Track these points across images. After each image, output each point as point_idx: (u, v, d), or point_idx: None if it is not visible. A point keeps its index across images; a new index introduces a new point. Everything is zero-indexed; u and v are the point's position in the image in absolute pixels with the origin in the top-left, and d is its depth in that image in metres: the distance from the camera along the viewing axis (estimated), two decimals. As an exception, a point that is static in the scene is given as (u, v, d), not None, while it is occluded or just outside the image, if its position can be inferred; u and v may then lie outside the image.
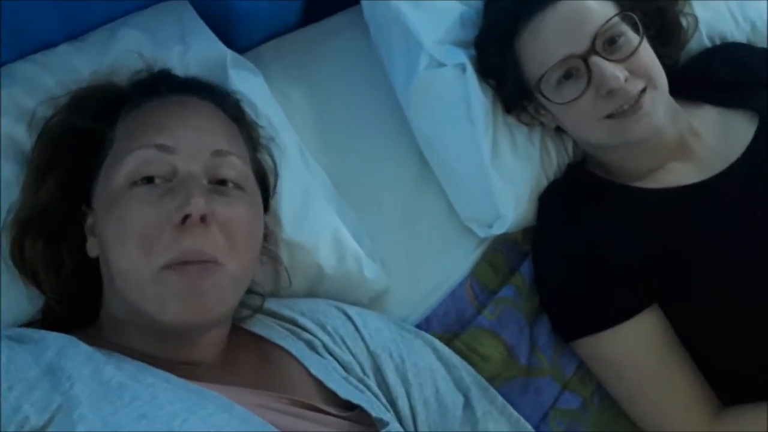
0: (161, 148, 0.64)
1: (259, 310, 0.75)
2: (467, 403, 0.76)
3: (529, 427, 0.79)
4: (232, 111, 0.74)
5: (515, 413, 0.78)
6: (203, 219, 0.61)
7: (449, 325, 0.89)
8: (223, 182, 0.66)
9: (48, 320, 0.71)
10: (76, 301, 0.71)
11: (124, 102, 0.70)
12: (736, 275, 0.81)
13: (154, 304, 0.61)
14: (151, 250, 0.61)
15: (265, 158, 0.79)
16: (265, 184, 0.76)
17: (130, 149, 0.65)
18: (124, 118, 0.69)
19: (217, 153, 0.66)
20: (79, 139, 0.70)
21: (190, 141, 0.66)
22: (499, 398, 0.79)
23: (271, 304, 0.77)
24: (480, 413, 0.76)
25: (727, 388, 0.84)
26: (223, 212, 0.64)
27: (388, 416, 0.68)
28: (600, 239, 0.86)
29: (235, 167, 0.67)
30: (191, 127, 0.67)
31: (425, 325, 0.87)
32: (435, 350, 0.79)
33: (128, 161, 0.64)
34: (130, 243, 0.61)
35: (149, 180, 0.64)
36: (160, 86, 0.72)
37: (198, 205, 0.61)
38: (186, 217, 0.61)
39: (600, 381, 0.89)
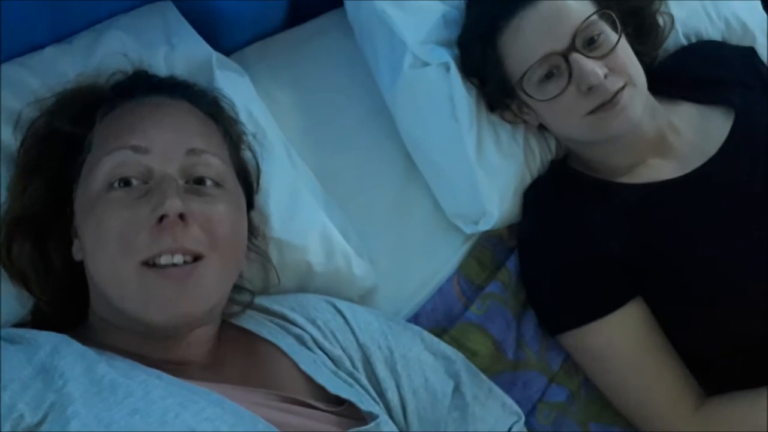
0: (135, 149, 0.64)
1: (249, 305, 0.76)
2: (456, 389, 0.77)
3: (516, 407, 0.80)
4: (208, 108, 0.73)
5: (502, 394, 0.80)
6: (182, 217, 0.61)
7: (438, 321, 0.90)
8: (200, 181, 0.66)
9: (37, 321, 0.70)
10: (65, 302, 0.70)
11: (100, 104, 0.70)
12: (716, 268, 0.83)
13: (136, 303, 0.61)
14: (129, 249, 0.61)
15: (247, 154, 0.78)
16: (247, 180, 0.76)
17: (105, 152, 0.65)
18: (100, 121, 0.69)
19: (192, 152, 0.66)
20: (62, 142, 0.70)
21: (164, 141, 0.65)
22: (486, 382, 0.80)
23: (261, 300, 0.77)
24: (469, 397, 0.77)
25: (711, 378, 0.86)
26: (203, 211, 0.64)
27: (377, 409, 0.68)
28: (583, 234, 0.87)
29: (212, 165, 0.67)
30: (164, 126, 0.67)
31: (414, 321, 0.88)
32: (423, 341, 0.80)
33: (104, 164, 0.64)
34: (109, 245, 0.61)
35: (126, 182, 0.64)
36: (134, 88, 0.72)
37: (173, 205, 0.61)
38: (162, 218, 0.61)
39: (586, 373, 0.90)
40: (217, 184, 0.67)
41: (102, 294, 0.64)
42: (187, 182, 0.65)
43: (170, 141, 0.66)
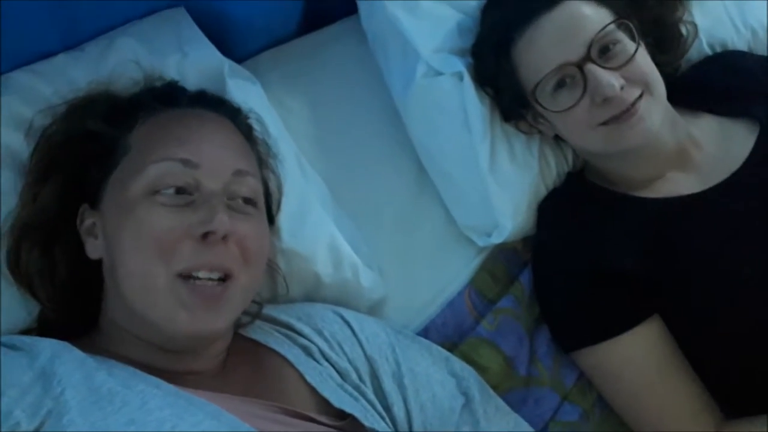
0: (185, 162, 0.65)
1: (258, 316, 0.76)
2: (467, 404, 0.76)
3: (525, 423, 0.79)
4: (244, 128, 0.75)
5: (510, 411, 0.79)
6: (224, 237, 0.63)
7: (448, 336, 0.89)
8: (239, 199, 0.68)
9: (43, 329, 0.71)
10: (70, 309, 0.71)
11: (140, 108, 0.70)
12: (736, 286, 0.80)
13: (164, 314, 0.62)
14: (169, 256, 0.62)
15: (269, 175, 0.79)
16: (268, 199, 0.77)
17: (152, 159, 0.65)
18: (142, 124, 0.69)
19: (238, 173, 0.68)
20: (81, 145, 0.70)
21: (214, 158, 0.67)
22: (494, 398, 0.79)
23: (268, 310, 0.77)
24: (480, 413, 0.76)
25: (730, 399, 0.83)
26: (241, 229, 0.65)
27: (381, 425, 0.68)
28: (600, 249, 0.85)
29: (251, 186, 0.69)
30: (215, 144, 0.68)
31: (423, 335, 0.87)
32: (432, 354, 0.79)
33: (150, 170, 0.65)
34: (148, 248, 0.62)
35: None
36: (177, 96, 0.73)
37: (222, 222, 0.62)
38: (207, 233, 0.62)
39: (600, 392, 0.88)
40: (252, 203, 0.69)
41: (123, 297, 0.64)
42: (228, 199, 0.66)
43: (219, 159, 0.67)
